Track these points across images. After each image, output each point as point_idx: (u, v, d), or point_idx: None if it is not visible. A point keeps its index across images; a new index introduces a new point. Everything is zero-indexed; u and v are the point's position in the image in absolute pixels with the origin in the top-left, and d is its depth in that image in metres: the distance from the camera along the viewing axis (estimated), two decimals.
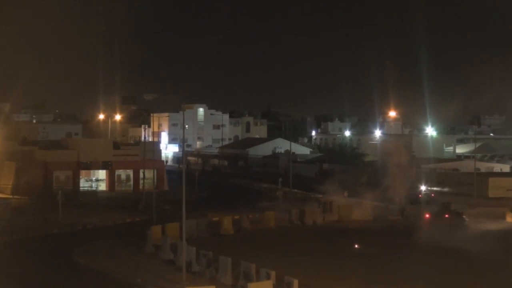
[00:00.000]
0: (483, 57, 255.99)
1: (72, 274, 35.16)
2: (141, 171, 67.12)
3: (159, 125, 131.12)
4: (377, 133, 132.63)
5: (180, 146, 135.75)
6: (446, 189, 74.33)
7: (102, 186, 76.03)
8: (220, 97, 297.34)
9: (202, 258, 34.30)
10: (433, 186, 72.69)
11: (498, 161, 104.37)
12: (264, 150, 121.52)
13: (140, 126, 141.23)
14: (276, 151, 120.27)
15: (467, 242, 42.47)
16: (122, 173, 77.75)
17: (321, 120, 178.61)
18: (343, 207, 57.17)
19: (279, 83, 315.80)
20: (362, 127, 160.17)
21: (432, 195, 64.68)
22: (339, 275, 34.12)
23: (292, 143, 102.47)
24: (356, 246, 42.04)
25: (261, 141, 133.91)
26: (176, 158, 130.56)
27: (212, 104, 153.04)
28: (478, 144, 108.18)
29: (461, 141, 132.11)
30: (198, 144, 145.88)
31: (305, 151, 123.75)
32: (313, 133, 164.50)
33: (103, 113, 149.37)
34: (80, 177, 74.64)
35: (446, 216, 52.48)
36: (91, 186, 74.59)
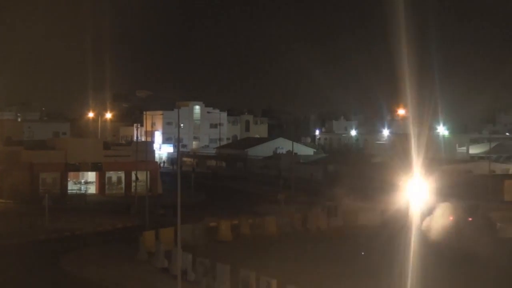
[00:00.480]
0: (498, 51, 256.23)
1: (59, 283, 35.15)
2: (133, 173, 67.14)
3: (153, 124, 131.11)
4: (385, 132, 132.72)
5: (175, 147, 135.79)
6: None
7: (92, 189, 76.03)
8: (217, 94, 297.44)
9: (199, 266, 34.30)
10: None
11: None
12: (264, 150, 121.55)
13: (132, 125, 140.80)
14: (278, 152, 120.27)
15: (489, 248, 42.13)
16: (113, 175, 77.75)
17: (326, 118, 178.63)
18: (349, 212, 57.16)
19: (281, 79, 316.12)
20: (369, 126, 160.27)
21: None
22: (344, 284, 34.12)
23: (295, 143, 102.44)
24: (362, 253, 42.03)
25: (261, 141, 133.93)
26: (171, 159, 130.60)
27: (209, 102, 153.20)
28: (493, 144, 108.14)
29: (474, 141, 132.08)
30: (194, 144, 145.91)
31: (308, 151, 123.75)
32: (317, 132, 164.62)
33: (93, 111, 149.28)
34: (68, 179, 74.68)
35: (470, 219, 52.07)
36: (80, 189, 74.60)
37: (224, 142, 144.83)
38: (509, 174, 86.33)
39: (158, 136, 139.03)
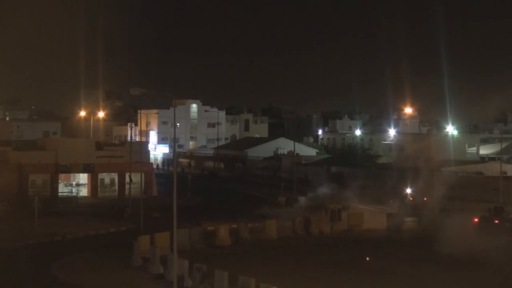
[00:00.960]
0: (510, 48, 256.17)
1: None
2: (127, 175, 67.18)
3: (147, 123, 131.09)
4: (391, 132, 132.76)
5: (170, 147, 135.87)
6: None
7: (84, 192, 76.11)
8: (215, 92, 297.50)
9: (196, 272, 34.32)
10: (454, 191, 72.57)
11: None
12: (265, 151, 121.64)
13: (126, 124, 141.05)
14: (279, 152, 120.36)
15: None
16: (105, 177, 77.79)
17: (329, 117, 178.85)
18: (353, 215, 57.21)
19: (282, 76, 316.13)
20: (375, 125, 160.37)
21: (425, 199, 64.70)
22: None
23: (296, 143, 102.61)
24: (367, 258, 42.06)
25: (261, 141, 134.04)
26: (167, 160, 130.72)
27: (206, 100, 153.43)
28: (504, 144, 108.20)
29: (485, 141, 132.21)
30: (191, 144, 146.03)
31: (311, 152, 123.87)
32: (320, 132, 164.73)
33: (85, 109, 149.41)
34: (59, 181, 74.72)
35: (496, 222, 51.97)
36: (71, 192, 74.64)
37: (223, 142, 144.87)
38: None
39: (153, 136, 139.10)
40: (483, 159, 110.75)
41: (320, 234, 53.00)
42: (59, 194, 73.05)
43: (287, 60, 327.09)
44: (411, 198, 64.99)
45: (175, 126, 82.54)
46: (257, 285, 30.97)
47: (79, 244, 47.85)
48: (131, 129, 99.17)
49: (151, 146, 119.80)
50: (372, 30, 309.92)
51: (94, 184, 76.40)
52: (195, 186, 78.28)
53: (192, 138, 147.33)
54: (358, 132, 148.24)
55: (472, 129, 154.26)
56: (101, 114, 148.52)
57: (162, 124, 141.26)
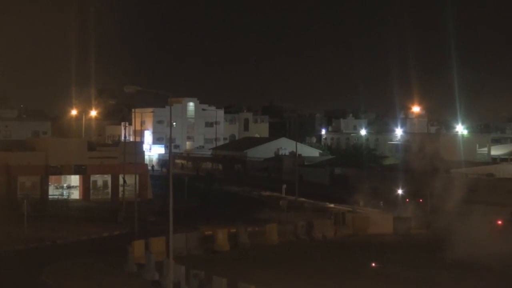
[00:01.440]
0: None
1: None
2: (120, 177, 67.11)
3: (142, 123, 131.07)
4: (398, 131, 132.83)
5: (166, 147, 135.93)
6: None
7: (75, 194, 76.08)
8: (213, 90, 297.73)
9: (193, 279, 34.30)
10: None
11: None
12: (265, 151, 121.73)
13: (120, 124, 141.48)
14: (280, 153, 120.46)
15: None
16: (98, 178, 77.79)
17: (333, 116, 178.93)
18: (358, 219, 57.27)
19: (283, 74, 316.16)
20: (381, 124, 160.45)
21: (420, 200, 64.77)
22: None
23: (299, 144, 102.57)
24: (373, 264, 42.04)
25: (261, 141, 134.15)
26: (162, 161, 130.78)
27: (204, 98, 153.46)
28: None
29: (497, 141, 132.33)
30: (188, 144, 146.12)
31: (314, 153, 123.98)
32: (323, 131, 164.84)
33: (76, 108, 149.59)
34: (49, 183, 74.66)
35: None
36: (62, 194, 74.58)
37: (221, 143, 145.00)
38: None
39: (148, 136, 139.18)
40: (495, 160, 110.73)
41: (323, 238, 53.01)
42: (50, 197, 72.95)
43: (288, 56, 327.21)
44: (406, 200, 65.19)
45: (171, 125, 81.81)
46: None
47: (71, 249, 47.83)
48: (125, 129, 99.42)
49: (146, 147, 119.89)
50: (379, 25, 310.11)
51: (86, 186, 76.37)
52: (192, 188, 78.30)
53: (189, 138, 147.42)
54: (363, 132, 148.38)
55: (483, 128, 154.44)
56: (93, 113, 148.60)
57: (157, 123, 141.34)
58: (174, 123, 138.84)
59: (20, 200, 61.11)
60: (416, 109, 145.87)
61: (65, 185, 76.92)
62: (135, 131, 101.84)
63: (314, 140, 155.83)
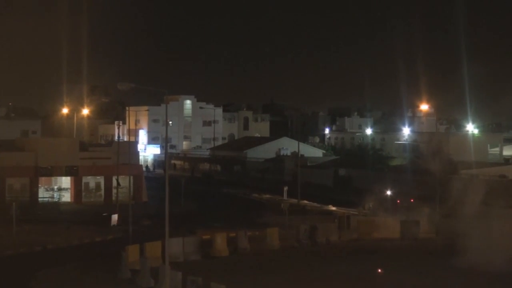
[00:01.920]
0: None
1: None
2: (114, 178, 67.17)
3: (137, 122, 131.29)
4: (406, 131, 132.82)
5: (162, 148, 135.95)
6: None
7: (66, 197, 76.08)
8: (211, 87, 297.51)
9: (190, 285, 34.35)
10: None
11: None
12: (266, 151, 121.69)
13: (113, 123, 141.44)
14: (281, 153, 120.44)
15: None
16: (90, 180, 77.83)
17: (337, 115, 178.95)
18: (364, 223, 57.28)
19: (285, 70, 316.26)
20: (387, 123, 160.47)
21: (411, 200, 64.81)
22: None
23: (301, 143, 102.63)
24: (379, 270, 42.07)
25: (262, 141, 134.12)
26: (157, 162, 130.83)
27: (201, 96, 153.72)
28: None
29: (509, 141, 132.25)
30: (185, 144, 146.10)
31: (317, 153, 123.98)
32: (327, 131, 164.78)
33: (67, 106, 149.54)
34: (39, 185, 74.68)
35: None
36: (53, 197, 74.61)
37: (219, 142, 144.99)
38: None
39: (143, 136, 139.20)
40: (507, 161, 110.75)
41: (327, 243, 53.03)
42: (39, 199, 73.00)
43: (290, 52, 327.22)
44: (398, 201, 65.21)
45: (167, 124, 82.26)
46: None
47: (62, 254, 47.84)
48: (118, 128, 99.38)
49: (140, 147, 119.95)
50: (385, 21, 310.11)
51: (78, 188, 76.37)
52: (190, 190, 78.33)
53: (185, 137, 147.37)
54: (369, 131, 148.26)
55: (495, 128, 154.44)
56: (85, 112, 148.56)
57: (152, 122, 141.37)
58: (170, 122, 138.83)
59: (9, 203, 61.12)
60: (424, 107, 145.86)
61: (55, 187, 76.91)
62: (129, 131, 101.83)
63: (317, 139, 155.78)
